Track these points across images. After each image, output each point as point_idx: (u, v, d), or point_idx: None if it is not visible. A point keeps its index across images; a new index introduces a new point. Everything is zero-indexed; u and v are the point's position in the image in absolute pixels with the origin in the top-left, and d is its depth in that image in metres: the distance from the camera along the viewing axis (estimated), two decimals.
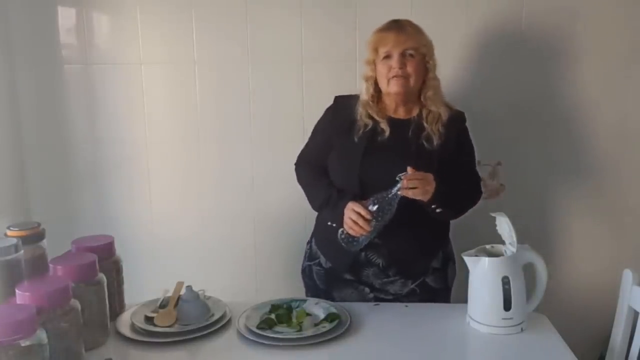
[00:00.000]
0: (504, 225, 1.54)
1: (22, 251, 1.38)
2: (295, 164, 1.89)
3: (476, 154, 2.19)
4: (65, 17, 2.20)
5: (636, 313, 1.60)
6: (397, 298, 1.77)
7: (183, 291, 1.60)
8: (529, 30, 2.11)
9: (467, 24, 2.11)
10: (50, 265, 1.39)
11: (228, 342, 1.48)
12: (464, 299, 1.57)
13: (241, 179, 2.25)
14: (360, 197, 1.65)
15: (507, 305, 1.48)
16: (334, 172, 1.79)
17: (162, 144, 2.26)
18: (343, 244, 1.66)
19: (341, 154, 1.75)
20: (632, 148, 2.18)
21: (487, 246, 1.58)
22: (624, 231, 2.23)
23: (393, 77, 1.67)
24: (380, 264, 1.74)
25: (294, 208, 2.19)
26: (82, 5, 2.18)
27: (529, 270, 1.54)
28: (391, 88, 1.68)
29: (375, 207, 1.60)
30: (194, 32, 2.17)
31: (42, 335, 1.14)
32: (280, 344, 1.43)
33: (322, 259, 1.83)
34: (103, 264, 1.48)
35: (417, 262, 1.77)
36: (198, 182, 2.27)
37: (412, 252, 1.74)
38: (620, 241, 2.23)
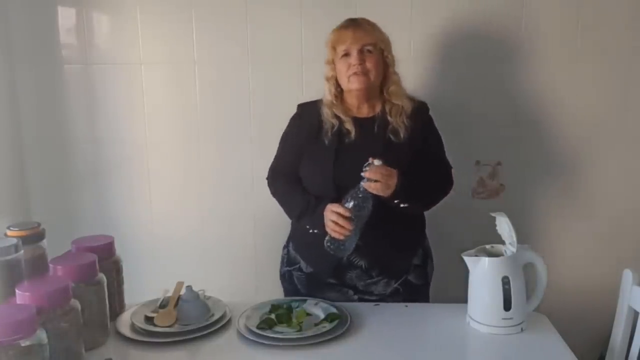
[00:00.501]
0: (504, 225, 1.54)
1: (22, 251, 1.38)
2: (267, 178, 1.87)
3: (475, 153, 2.20)
4: (65, 17, 2.20)
5: (636, 313, 1.60)
6: (382, 298, 1.76)
7: (183, 291, 1.60)
8: (529, 30, 2.11)
9: (467, 24, 2.11)
10: (50, 265, 1.39)
11: (228, 342, 1.48)
12: (464, 299, 1.57)
13: (241, 179, 2.25)
14: (338, 201, 1.63)
15: (507, 305, 1.48)
16: (307, 179, 1.77)
17: (162, 144, 2.26)
18: (331, 251, 1.64)
19: (313, 160, 1.75)
20: (632, 149, 2.18)
21: (487, 246, 1.58)
22: (623, 231, 2.23)
23: (353, 74, 1.67)
24: (363, 266, 1.74)
25: None
26: (82, 5, 2.18)
27: (529, 270, 1.54)
28: (352, 85, 1.69)
29: (351, 204, 1.59)
30: (194, 32, 2.17)
31: (42, 335, 1.14)
32: (280, 344, 1.43)
33: (303, 264, 1.82)
34: (103, 264, 1.48)
35: (400, 260, 1.78)
36: (198, 182, 2.27)
37: (394, 250, 1.74)
38: (620, 241, 2.23)
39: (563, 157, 2.19)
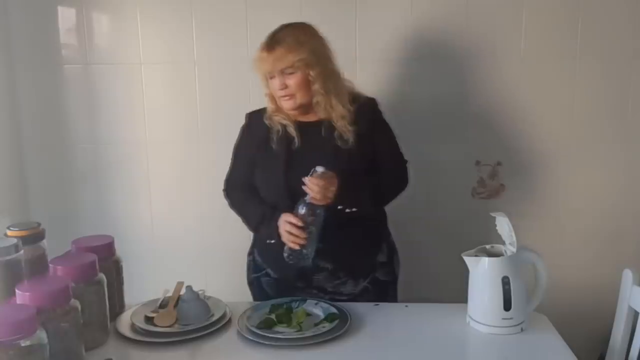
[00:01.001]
0: (504, 225, 1.54)
1: (22, 251, 1.38)
2: (224, 190, 1.84)
3: (475, 153, 2.20)
4: (65, 17, 2.20)
5: (636, 313, 1.60)
6: (352, 298, 1.75)
7: (183, 291, 1.61)
8: (529, 30, 2.11)
9: (467, 24, 2.11)
10: (50, 265, 1.39)
11: (228, 342, 1.48)
12: (464, 299, 1.57)
13: None
14: (293, 209, 1.63)
15: (507, 305, 1.48)
16: (262, 188, 1.76)
17: (162, 144, 2.26)
18: (292, 262, 1.62)
19: (264, 169, 1.74)
20: (632, 149, 2.18)
21: (487, 246, 1.58)
22: (623, 231, 2.23)
23: (281, 97, 1.67)
24: (329, 268, 1.73)
25: None
26: (82, 5, 2.18)
27: (529, 270, 1.54)
28: (284, 106, 1.69)
29: (303, 211, 1.58)
30: (194, 32, 2.17)
31: (42, 335, 1.14)
32: (280, 344, 1.43)
33: (270, 269, 1.81)
34: (103, 264, 1.48)
35: (364, 259, 1.78)
36: (198, 182, 2.27)
37: (358, 250, 1.75)
38: (620, 241, 2.23)
39: (563, 157, 2.19)
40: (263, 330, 1.48)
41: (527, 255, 1.54)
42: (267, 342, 1.43)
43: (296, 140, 1.70)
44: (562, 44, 2.12)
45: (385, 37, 2.13)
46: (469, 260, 1.53)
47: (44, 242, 1.49)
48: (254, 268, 1.86)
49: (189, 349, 1.44)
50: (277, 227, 1.64)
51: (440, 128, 2.18)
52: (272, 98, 1.73)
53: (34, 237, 1.46)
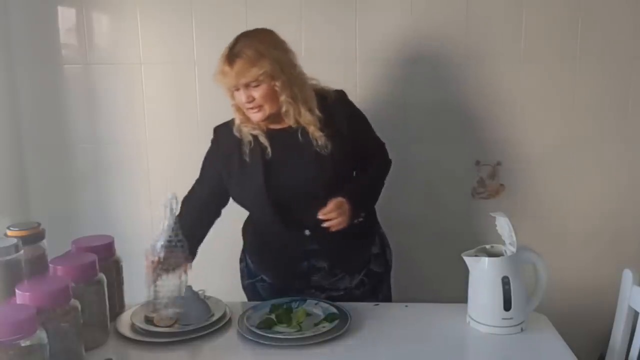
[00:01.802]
0: (504, 226, 1.54)
1: (22, 251, 1.38)
2: (184, 198, 1.75)
3: (475, 153, 2.20)
4: (65, 17, 2.20)
5: (636, 313, 1.60)
6: (348, 291, 1.75)
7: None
8: (530, 31, 2.11)
9: (467, 24, 2.11)
10: (50, 265, 1.39)
11: (228, 342, 1.48)
12: (464, 299, 1.57)
13: None
14: (278, 221, 1.63)
15: (507, 305, 1.48)
16: (244, 205, 1.73)
17: (162, 144, 2.26)
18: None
19: (241, 183, 1.68)
20: (633, 149, 2.18)
21: (487, 246, 1.58)
22: (623, 231, 2.23)
23: (248, 109, 1.62)
24: (326, 267, 1.72)
25: None
26: (82, 5, 2.18)
27: (529, 270, 1.54)
28: (252, 118, 1.64)
29: (160, 244, 1.47)
30: (194, 32, 2.17)
31: (42, 335, 1.14)
32: (280, 344, 1.43)
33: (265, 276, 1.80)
34: (103, 264, 1.48)
35: (360, 254, 1.78)
36: None
37: (353, 245, 1.74)
38: (620, 241, 2.23)
39: (563, 157, 2.19)
40: (263, 330, 1.48)
41: (527, 255, 1.54)
42: (267, 342, 1.43)
43: (269, 149, 1.65)
44: (562, 44, 2.12)
45: (385, 38, 2.13)
46: (469, 260, 1.53)
47: (44, 242, 1.49)
48: (247, 274, 1.85)
49: (189, 349, 1.44)
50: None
51: (440, 128, 2.18)
52: (239, 109, 1.66)
53: (34, 237, 1.46)
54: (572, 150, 2.18)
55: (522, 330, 1.50)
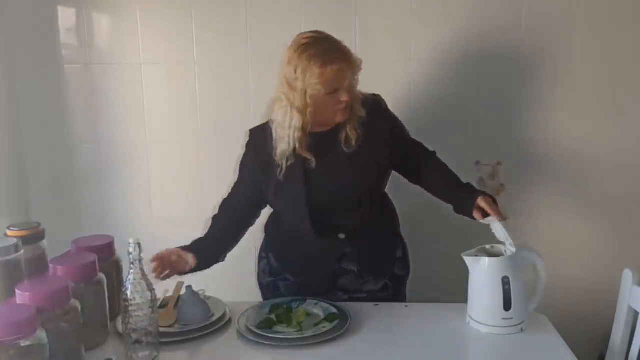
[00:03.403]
0: (499, 230, 1.54)
1: (22, 251, 1.39)
2: (222, 201, 1.75)
3: (475, 153, 2.20)
4: (65, 17, 2.20)
5: (636, 313, 1.60)
6: (372, 294, 1.75)
7: (183, 291, 1.61)
8: (530, 31, 2.10)
9: (467, 24, 2.11)
10: (50, 265, 1.40)
11: (228, 342, 1.48)
12: (464, 299, 1.57)
13: None
14: (315, 225, 1.62)
15: (507, 305, 1.48)
16: (280, 209, 1.72)
17: (162, 144, 2.26)
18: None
19: (280, 188, 1.64)
20: (632, 149, 2.18)
21: (487, 246, 1.58)
22: (623, 231, 2.23)
23: (341, 109, 1.58)
24: (355, 270, 1.72)
25: None
26: (82, 5, 2.18)
27: (529, 270, 1.54)
28: (337, 119, 1.60)
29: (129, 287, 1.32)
30: (194, 32, 2.17)
31: (42, 335, 1.14)
32: (280, 344, 1.43)
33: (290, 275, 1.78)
34: (103, 264, 1.48)
35: (387, 258, 1.78)
36: (198, 182, 2.27)
37: (382, 249, 1.75)
38: (620, 241, 2.23)
39: (563, 156, 2.19)
40: (263, 330, 1.48)
41: (527, 255, 1.54)
42: (267, 342, 1.43)
43: (311, 155, 1.60)
44: (562, 44, 2.12)
45: (385, 37, 2.13)
46: (469, 260, 1.53)
47: (44, 242, 1.49)
48: (270, 272, 1.81)
49: (189, 349, 1.44)
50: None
51: (440, 128, 2.18)
52: (302, 110, 1.55)
53: (34, 237, 1.46)
54: (572, 150, 2.18)
55: (522, 330, 1.50)
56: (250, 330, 1.48)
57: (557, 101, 2.15)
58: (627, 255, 2.19)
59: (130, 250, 1.31)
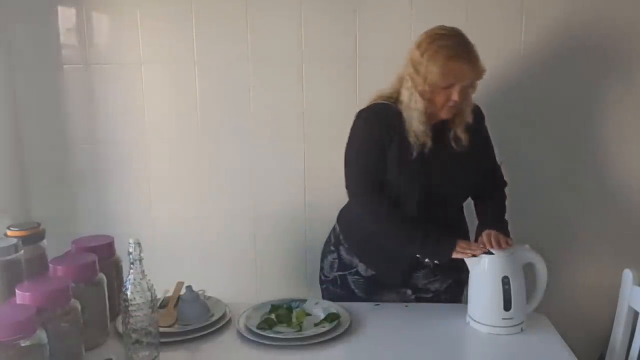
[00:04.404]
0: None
1: (22, 251, 1.39)
2: (360, 195, 1.71)
3: None
4: (65, 17, 2.20)
5: (636, 313, 1.60)
6: (437, 294, 1.76)
7: (183, 291, 1.61)
8: (530, 31, 2.11)
9: (467, 24, 2.11)
10: (50, 265, 1.40)
11: (228, 342, 1.48)
12: (464, 299, 1.57)
13: (241, 179, 2.25)
14: (423, 205, 1.65)
15: (507, 305, 1.48)
16: (394, 185, 1.69)
17: (162, 144, 2.26)
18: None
19: (398, 165, 1.66)
20: (632, 149, 2.18)
21: None
22: (624, 231, 2.23)
23: (448, 106, 1.61)
24: (430, 265, 1.72)
25: (294, 208, 2.19)
26: (82, 5, 2.18)
27: (529, 270, 1.54)
28: (442, 114, 1.64)
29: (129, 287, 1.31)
30: (194, 32, 2.17)
31: (42, 335, 1.14)
32: (280, 344, 1.43)
33: (361, 267, 1.77)
34: (103, 264, 1.48)
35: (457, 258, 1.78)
36: (198, 182, 2.27)
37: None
38: (620, 241, 2.23)
39: (563, 157, 2.19)
40: (263, 330, 1.48)
41: (527, 255, 1.54)
42: (267, 342, 1.44)
43: (430, 143, 1.63)
44: (562, 44, 2.12)
45: (386, 37, 2.13)
46: (469, 260, 1.53)
47: (44, 242, 1.49)
48: (339, 266, 1.81)
49: (189, 349, 1.44)
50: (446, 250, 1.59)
51: None
52: (426, 99, 1.61)
53: (34, 237, 1.46)
54: (572, 150, 2.18)
55: (522, 330, 1.51)
56: (250, 330, 1.48)
57: (557, 101, 2.15)
58: (627, 255, 2.19)
59: (130, 250, 1.31)
